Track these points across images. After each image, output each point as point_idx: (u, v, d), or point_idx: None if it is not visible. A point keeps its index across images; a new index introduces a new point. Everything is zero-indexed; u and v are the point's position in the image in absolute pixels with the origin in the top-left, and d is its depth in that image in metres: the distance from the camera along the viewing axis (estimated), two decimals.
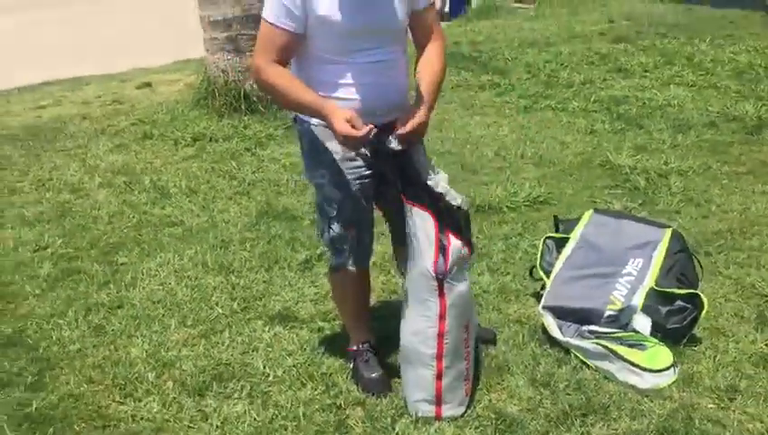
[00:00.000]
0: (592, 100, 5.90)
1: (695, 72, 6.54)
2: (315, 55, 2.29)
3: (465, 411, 2.41)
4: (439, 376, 2.29)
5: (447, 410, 2.37)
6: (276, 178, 4.61)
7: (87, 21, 12.12)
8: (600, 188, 4.24)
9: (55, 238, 3.85)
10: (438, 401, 2.33)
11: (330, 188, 2.39)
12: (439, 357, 2.27)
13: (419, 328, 2.26)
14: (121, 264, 3.58)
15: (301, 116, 2.38)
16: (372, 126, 2.18)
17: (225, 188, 4.49)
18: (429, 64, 2.35)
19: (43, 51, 9.70)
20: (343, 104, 2.24)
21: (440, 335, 2.26)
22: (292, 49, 2.26)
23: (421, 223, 2.26)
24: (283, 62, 2.25)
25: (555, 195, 4.15)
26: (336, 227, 2.44)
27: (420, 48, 2.40)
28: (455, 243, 2.20)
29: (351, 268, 2.49)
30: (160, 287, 3.34)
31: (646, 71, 6.75)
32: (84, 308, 3.18)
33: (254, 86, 5.92)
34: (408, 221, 2.27)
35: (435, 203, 2.23)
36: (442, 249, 2.17)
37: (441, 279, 2.20)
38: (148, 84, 7.26)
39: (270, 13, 2.22)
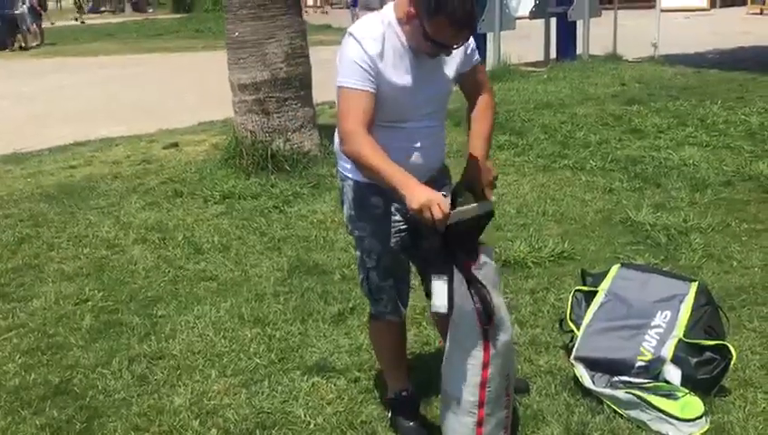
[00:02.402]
0: (609, 159, 6.04)
1: (708, 133, 6.68)
2: None
3: None
4: (480, 423, 2.35)
5: None
6: (305, 234, 4.74)
7: (112, 85, 12.52)
8: (622, 244, 4.34)
9: (95, 292, 3.98)
10: None
11: (370, 241, 2.52)
12: (481, 405, 2.33)
13: (462, 375, 2.33)
14: (160, 316, 3.70)
15: (345, 173, 2.51)
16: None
17: (256, 244, 4.62)
18: (483, 120, 2.50)
19: (71, 112, 10.02)
20: None
21: (483, 384, 2.32)
22: (373, 112, 2.29)
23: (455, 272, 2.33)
24: (368, 126, 2.27)
25: (578, 250, 4.25)
26: (374, 278, 2.56)
27: (471, 101, 2.54)
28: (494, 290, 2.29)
29: (389, 317, 2.60)
30: (199, 339, 3.45)
31: (660, 132, 6.90)
32: (127, 359, 3.29)
33: (282, 146, 6.14)
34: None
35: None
36: (483, 299, 2.26)
37: (486, 328, 2.29)
38: (175, 145, 7.46)
39: (350, 79, 2.27)
